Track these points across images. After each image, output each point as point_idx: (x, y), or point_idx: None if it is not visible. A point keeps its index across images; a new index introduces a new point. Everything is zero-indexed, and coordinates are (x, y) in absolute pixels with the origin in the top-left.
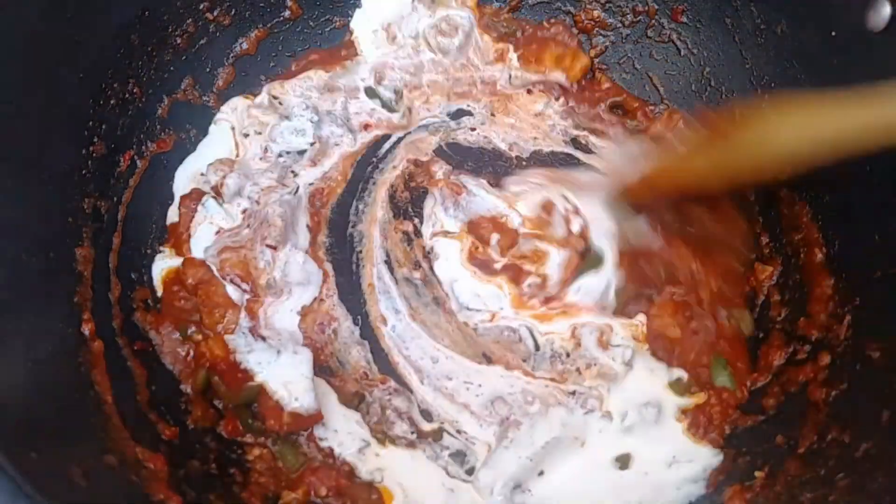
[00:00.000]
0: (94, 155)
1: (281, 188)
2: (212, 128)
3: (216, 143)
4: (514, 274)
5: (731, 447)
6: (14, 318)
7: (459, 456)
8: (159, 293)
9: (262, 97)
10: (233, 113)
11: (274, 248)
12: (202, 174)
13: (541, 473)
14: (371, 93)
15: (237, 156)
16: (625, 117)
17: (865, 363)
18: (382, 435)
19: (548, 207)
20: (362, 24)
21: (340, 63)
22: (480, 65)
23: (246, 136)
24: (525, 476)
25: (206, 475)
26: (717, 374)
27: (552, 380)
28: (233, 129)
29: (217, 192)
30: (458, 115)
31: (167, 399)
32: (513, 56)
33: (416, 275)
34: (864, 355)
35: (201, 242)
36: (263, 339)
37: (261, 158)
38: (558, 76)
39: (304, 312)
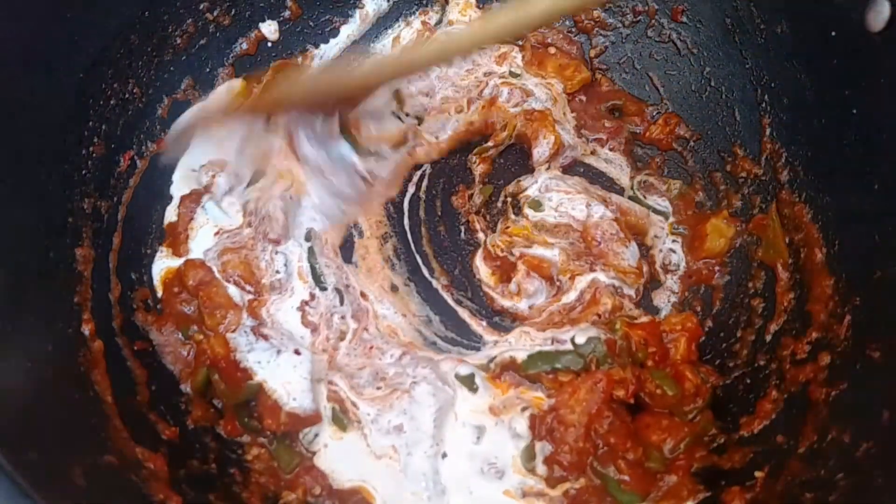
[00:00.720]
0: (94, 155)
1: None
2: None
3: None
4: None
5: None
6: (14, 318)
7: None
8: (159, 293)
9: None
10: None
11: (277, 241)
12: (193, 170)
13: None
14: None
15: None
16: (623, 120)
17: (865, 363)
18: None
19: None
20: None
21: None
22: (483, 63)
23: None
24: None
25: (205, 475)
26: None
27: None
28: None
29: (207, 191)
30: None
31: (167, 399)
32: (517, 56)
33: None
34: (864, 355)
35: (202, 244)
36: (266, 338)
37: None
38: (557, 84)
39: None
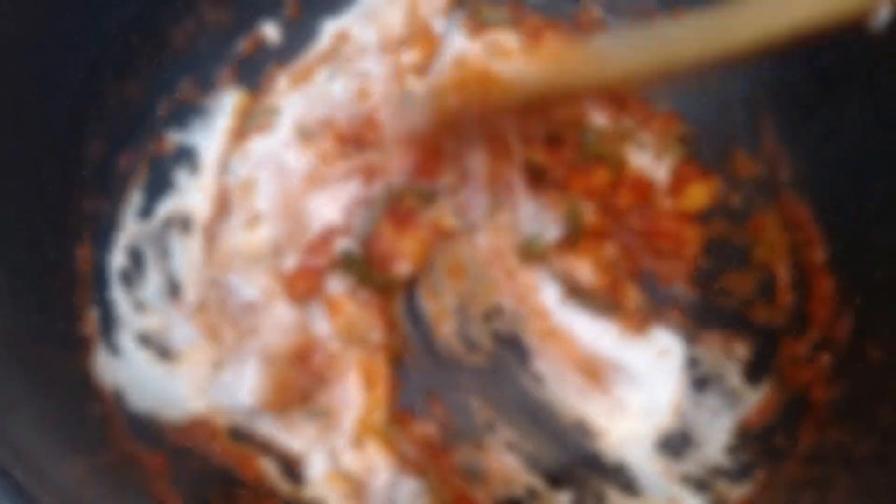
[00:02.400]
0: (94, 155)
1: None
2: None
3: None
4: None
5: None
6: (14, 318)
7: None
8: None
9: None
10: None
11: None
12: None
13: None
14: None
15: None
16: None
17: (865, 363)
18: None
19: None
20: None
21: None
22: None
23: None
24: None
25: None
26: None
27: None
28: None
29: None
30: None
31: None
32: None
33: None
34: (864, 355)
35: None
36: None
37: None
38: None
39: None
